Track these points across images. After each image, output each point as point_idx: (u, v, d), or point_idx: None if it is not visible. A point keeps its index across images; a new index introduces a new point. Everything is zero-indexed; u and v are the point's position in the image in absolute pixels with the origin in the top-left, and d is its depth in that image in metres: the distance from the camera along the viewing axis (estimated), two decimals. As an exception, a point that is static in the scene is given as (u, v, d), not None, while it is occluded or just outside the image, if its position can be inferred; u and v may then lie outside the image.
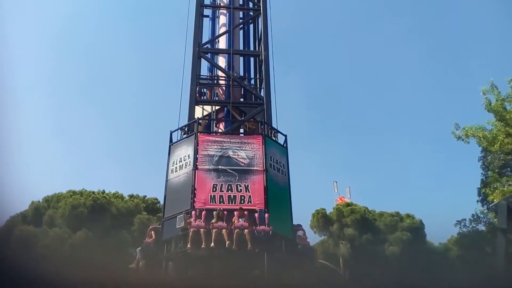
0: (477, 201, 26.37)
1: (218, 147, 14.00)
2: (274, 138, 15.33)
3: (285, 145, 15.35)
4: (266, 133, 14.88)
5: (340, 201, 37.41)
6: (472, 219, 28.60)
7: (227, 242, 12.12)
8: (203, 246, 12.12)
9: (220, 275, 12.36)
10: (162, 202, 15.53)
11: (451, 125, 19.50)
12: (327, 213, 32.13)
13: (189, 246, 12.26)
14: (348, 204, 33.19)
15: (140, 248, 13.51)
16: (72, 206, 26.48)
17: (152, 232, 13.62)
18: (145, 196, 30.49)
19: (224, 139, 14.42)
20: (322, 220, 31.61)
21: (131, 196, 29.96)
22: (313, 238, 31.12)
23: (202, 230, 12.30)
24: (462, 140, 19.57)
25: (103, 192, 28.85)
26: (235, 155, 13.88)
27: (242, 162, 13.82)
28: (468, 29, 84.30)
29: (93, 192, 28.09)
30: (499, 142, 18.45)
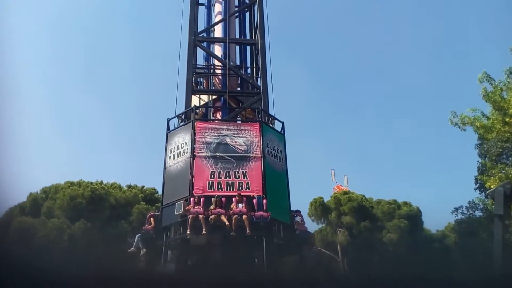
0: (474, 189, 26.57)
1: (216, 134, 14.04)
2: (271, 125, 15.38)
3: (282, 132, 15.40)
4: (263, 120, 14.92)
5: (338, 189, 37.65)
6: (468, 206, 28.84)
7: (226, 223, 12.20)
8: (203, 232, 12.22)
9: (219, 264, 12.50)
10: (160, 192, 15.60)
11: (449, 113, 19.52)
12: (325, 201, 32.31)
13: (188, 232, 12.37)
14: (345, 193, 33.39)
15: (139, 234, 13.62)
16: (70, 197, 26.50)
17: (151, 219, 13.73)
18: (143, 186, 30.56)
19: (222, 126, 14.47)
20: (320, 208, 31.80)
21: (129, 187, 30.01)
22: (311, 226, 31.30)
23: (201, 216, 12.39)
24: (459, 127, 19.64)
25: (101, 182, 28.87)
26: (232, 142, 13.93)
27: (240, 149, 13.88)
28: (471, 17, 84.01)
29: (91, 183, 28.11)
30: (496, 131, 18.50)
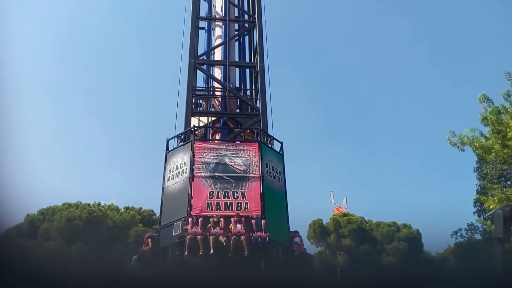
0: (474, 212, 26.55)
1: (215, 154, 14.13)
2: (270, 145, 15.47)
3: (281, 152, 15.48)
4: (262, 140, 15.02)
5: (337, 211, 37.44)
6: (468, 228, 28.74)
7: (224, 239, 12.07)
8: (200, 253, 12.12)
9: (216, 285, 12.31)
10: (158, 214, 15.53)
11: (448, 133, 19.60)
12: (324, 223, 32.10)
13: (186, 253, 12.26)
14: (344, 214, 33.22)
15: (136, 256, 13.48)
16: (68, 219, 26.34)
17: (149, 240, 13.62)
18: (141, 208, 30.40)
19: (221, 146, 14.57)
20: (319, 230, 31.58)
21: (126, 208, 29.86)
22: (310, 249, 30.95)
23: (199, 237, 12.32)
24: (457, 147, 19.69)
25: (99, 204, 28.75)
26: (231, 162, 14.00)
27: (239, 169, 13.94)
28: (472, 33, 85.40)
29: (89, 205, 27.98)
30: (494, 152, 18.55)
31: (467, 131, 18.61)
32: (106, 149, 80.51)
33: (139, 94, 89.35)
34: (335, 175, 77.28)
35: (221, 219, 12.76)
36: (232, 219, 12.76)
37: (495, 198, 18.75)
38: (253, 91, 18.79)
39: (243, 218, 12.81)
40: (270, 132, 16.18)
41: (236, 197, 13.42)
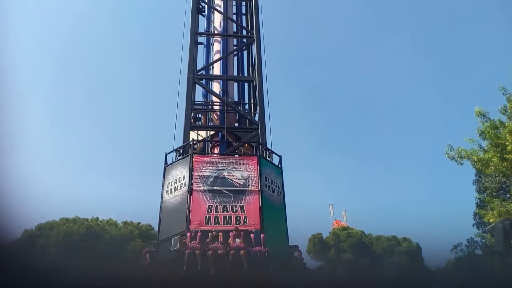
0: (473, 224, 26.45)
1: (213, 168, 14.11)
2: (269, 159, 15.47)
3: (280, 166, 15.47)
4: (261, 154, 15.02)
5: (336, 225, 37.26)
6: (467, 244, 28.65)
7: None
8: (199, 268, 12.01)
9: None
10: (156, 229, 15.40)
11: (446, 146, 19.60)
12: (324, 237, 31.90)
13: (184, 268, 12.14)
14: (344, 228, 33.06)
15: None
16: (66, 234, 26.17)
17: (147, 255, 13.49)
18: (139, 223, 30.23)
19: (219, 160, 14.56)
20: (319, 245, 31.39)
21: (125, 223, 29.68)
22: (310, 263, 30.71)
23: (197, 251, 12.21)
24: (456, 161, 19.68)
25: (97, 219, 28.58)
26: (230, 175, 13.98)
27: (237, 183, 13.90)
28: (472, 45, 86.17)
29: (87, 220, 27.83)
30: (493, 166, 18.53)
31: (467, 141, 18.60)
32: (104, 162, 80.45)
33: (138, 108, 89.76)
34: (334, 188, 77.19)
35: (220, 233, 12.66)
36: (231, 233, 12.66)
37: (494, 212, 18.70)
38: (252, 105, 18.88)
39: (242, 232, 12.71)
40: (268, 146, 16.21)
41: (235, 211, 13.35)
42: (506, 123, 18.62)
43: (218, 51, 19.90)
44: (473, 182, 24.78)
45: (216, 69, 19.41)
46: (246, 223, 13.15)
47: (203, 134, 18.03)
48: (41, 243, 26.38)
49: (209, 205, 13.40)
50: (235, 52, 20.54)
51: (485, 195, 21.83)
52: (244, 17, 21.70)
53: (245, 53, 21.04)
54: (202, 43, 20.82)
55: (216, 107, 18.47)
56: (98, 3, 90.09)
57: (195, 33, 19.42)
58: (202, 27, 20.87)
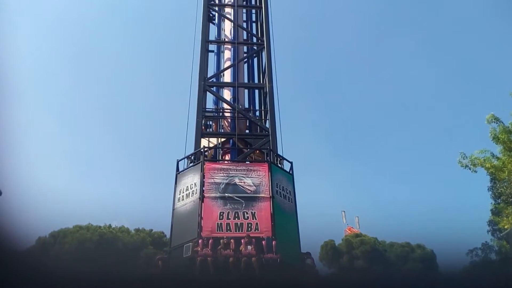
0: (488, 231, 26.07)
1: (225, 174, 14.14)
2: (280, 165, 15.45)
3: (291, 172, 15.44)
4: (272, 160, 15.02)
5: (349, 231, 36.93)
6: (482, 248, 28.21)
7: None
8: (211, 275, 12.01)
9: None
10: (168, 236, 15.46)
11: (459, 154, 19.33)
12: (336, 244, 31.63)
13: (197, 275, 12.15)
14: (357, 235, 32.74)
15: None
16: (79, 241, 26.41)
17: (159, 262, 13.56)
18: (152, 230, 30.38)
19: (230, 167, 14.58)
20: (332, 252, 31.10)
21: (137, 230, 29.86)
22: (323, 271, 30.43)
23: (209, 259, 12.22)
24: (469, 168, 19.37)
25: (110, 226, 28.82)
26: (241, 182, 13.98)
27: (249, 189, 13.90)
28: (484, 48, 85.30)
29: (100, 227, 28.06)
30: (507, 170, 18.26)
31: (477, 153, 18.41)
32: (117, 169, 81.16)
33: (150, 116, 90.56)
34: (347, 194, 76.60)
35: (232, 240, 12.65)
36: (242, 240, 12.64)
37: (509, 218, 18.39)
38: (262, 111, 18.93)
39: (253, 239, 12.68)
40: (279, 152, 16.19)
41: (246, 217, 13.34)
42: None
43: (228, 59, 20.05)
44: (488, 188, 24.44)
45: (227, 77, 19.54)
46: (258, 230, 13.12)
47: (214, 141, 18.10)
48: (55, 250, 26.68)
49: (220, 212, 13.41)
50: (246, 59, 20.66)
51: (499, 201, 21.48)
52: (254, 24, 21.83)
53: (255, 60, 21.12)
54: (212, 51, 21.00)
55: (227, 114, 18.56)
56: (113, 14, 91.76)
57: (205, 41, 19.60)
58: (212, 35, 21.08)
